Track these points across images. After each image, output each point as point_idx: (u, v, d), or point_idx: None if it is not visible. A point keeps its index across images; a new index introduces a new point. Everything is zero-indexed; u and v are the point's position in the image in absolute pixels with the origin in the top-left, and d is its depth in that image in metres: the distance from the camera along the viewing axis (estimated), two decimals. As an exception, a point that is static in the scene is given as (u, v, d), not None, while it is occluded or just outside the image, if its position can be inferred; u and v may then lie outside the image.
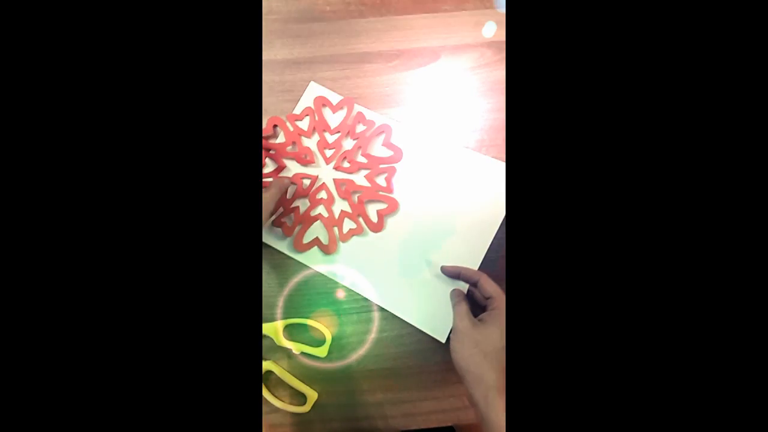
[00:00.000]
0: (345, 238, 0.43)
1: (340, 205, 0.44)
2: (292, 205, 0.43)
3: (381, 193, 0.43)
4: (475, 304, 0.38)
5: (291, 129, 0.45)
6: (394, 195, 0.43)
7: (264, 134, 0.45)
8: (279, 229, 0.43)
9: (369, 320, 0.42)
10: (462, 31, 0.47)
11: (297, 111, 0.46)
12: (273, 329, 0.41)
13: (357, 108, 0.45)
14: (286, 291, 0.42)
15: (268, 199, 0.38)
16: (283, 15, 0.48)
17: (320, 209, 0.44)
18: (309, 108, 0.45)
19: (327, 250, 0.42)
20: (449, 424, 0.40)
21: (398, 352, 0.41)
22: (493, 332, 0.33)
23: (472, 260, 0.41)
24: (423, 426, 0.40)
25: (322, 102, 0.45)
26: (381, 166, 0.44)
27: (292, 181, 0.43)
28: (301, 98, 0.46)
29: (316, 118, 0.45)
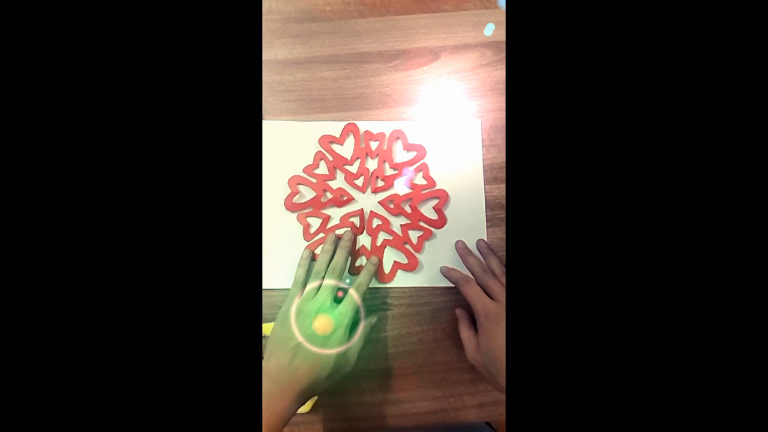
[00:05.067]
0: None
1: (363, 240, 0.43)
2: (323, 211, 0.43)
3: (407, 246, 0.43)
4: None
5: (362, 145, 0.44)
6: (420, 256, 0.43)
7: (333, 141, 0.44)
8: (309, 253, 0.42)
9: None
10: (462, 31, 0.47)
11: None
12: (273, 329, 0.41)
13: (427, 159, 0.44)
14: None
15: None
16: (283, 15, 0.47)
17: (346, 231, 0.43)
18: (382, 134, 0.44)
19: None
20: (485, 421, 0.40)
21: (398, 352, 0.41)
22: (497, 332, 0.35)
23: None
24: (422, 424, 0.40)
25: (396, 135, 0.44)
26: (420, 222, 0.43)
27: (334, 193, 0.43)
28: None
29: (385, 147, 0.44)
